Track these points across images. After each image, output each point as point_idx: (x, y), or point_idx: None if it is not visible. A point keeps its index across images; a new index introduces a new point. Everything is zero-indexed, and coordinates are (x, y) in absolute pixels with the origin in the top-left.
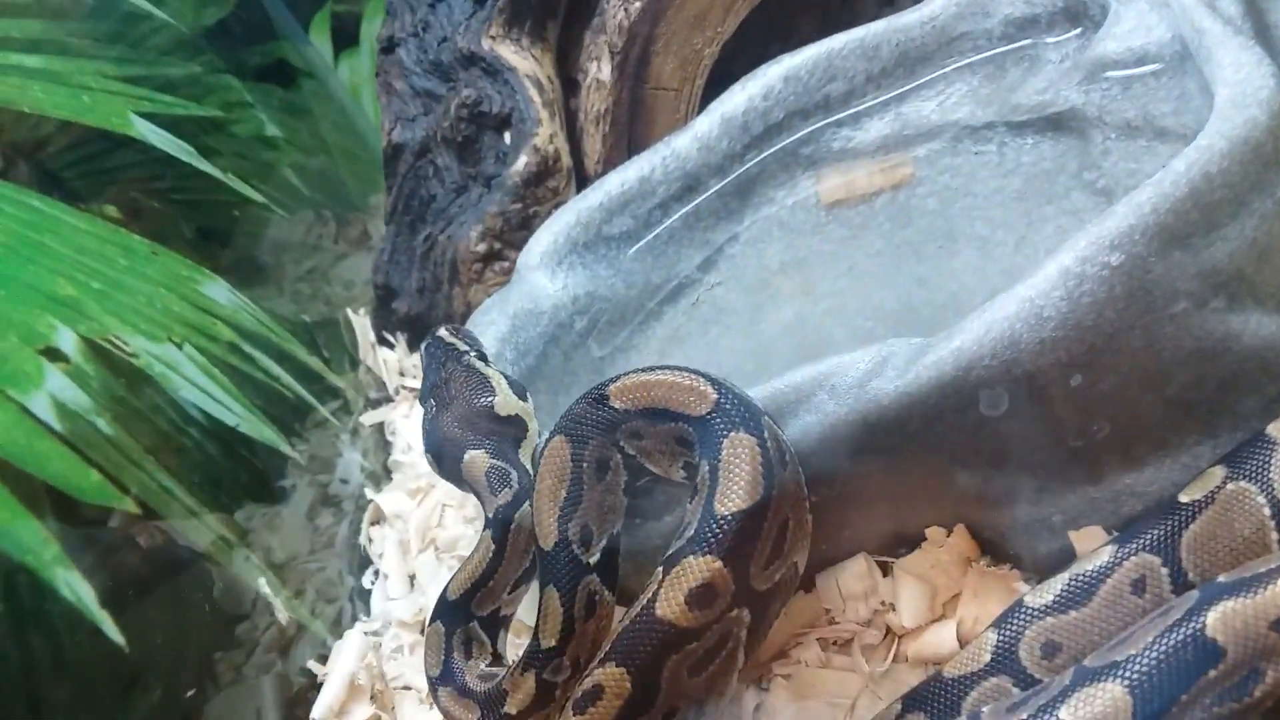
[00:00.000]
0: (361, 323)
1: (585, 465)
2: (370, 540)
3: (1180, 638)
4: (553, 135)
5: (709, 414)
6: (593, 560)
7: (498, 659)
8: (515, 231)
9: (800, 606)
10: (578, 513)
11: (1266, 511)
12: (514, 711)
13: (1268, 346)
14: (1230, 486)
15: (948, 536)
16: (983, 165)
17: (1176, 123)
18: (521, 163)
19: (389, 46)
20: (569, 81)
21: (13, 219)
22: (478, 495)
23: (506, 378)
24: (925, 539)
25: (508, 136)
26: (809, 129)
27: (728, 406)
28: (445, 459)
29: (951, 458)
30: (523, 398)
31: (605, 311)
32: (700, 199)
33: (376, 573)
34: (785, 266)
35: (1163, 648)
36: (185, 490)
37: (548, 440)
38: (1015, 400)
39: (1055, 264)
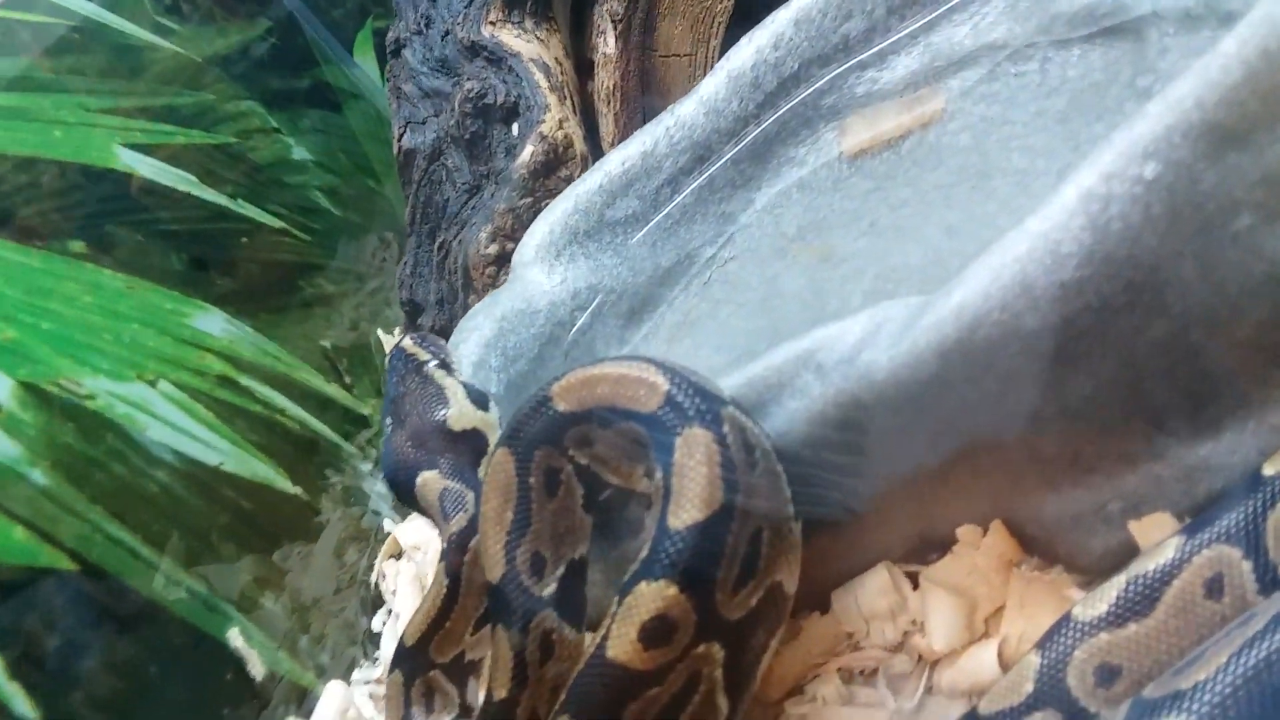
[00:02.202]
0: (393, 343)
1: (533, 481)
2: (384, 576)
3: (1264, 655)
4: (562, 121)
5: (660, 408)
6: (547, 592)
7: (466, 711)
8: (527, 229)
9: (817, 631)
10: (527, 538)
11: None
12: None
13: None
14: None
15: (983, 536)
16: (1023, 88)
17: (1245, 3)
18: (528, 153)
19: (396, 49)
20: (588, 63)
21: None
22: (434, 522)
23: (466, 387)
24: (957, 541)
25: (515, 128)
26: (829, 76)
27: (680, 398)
28: (401, 483)
29: (971, 439)
30: (483, 407)
31: (611, 304)
32: (713, 169)
33: (390, 612)
34: (803, 231)
35: (1241, 669)
36: (141, 539)
37: (491, 454)
38: (1040, 361)
39: (1073, 186)
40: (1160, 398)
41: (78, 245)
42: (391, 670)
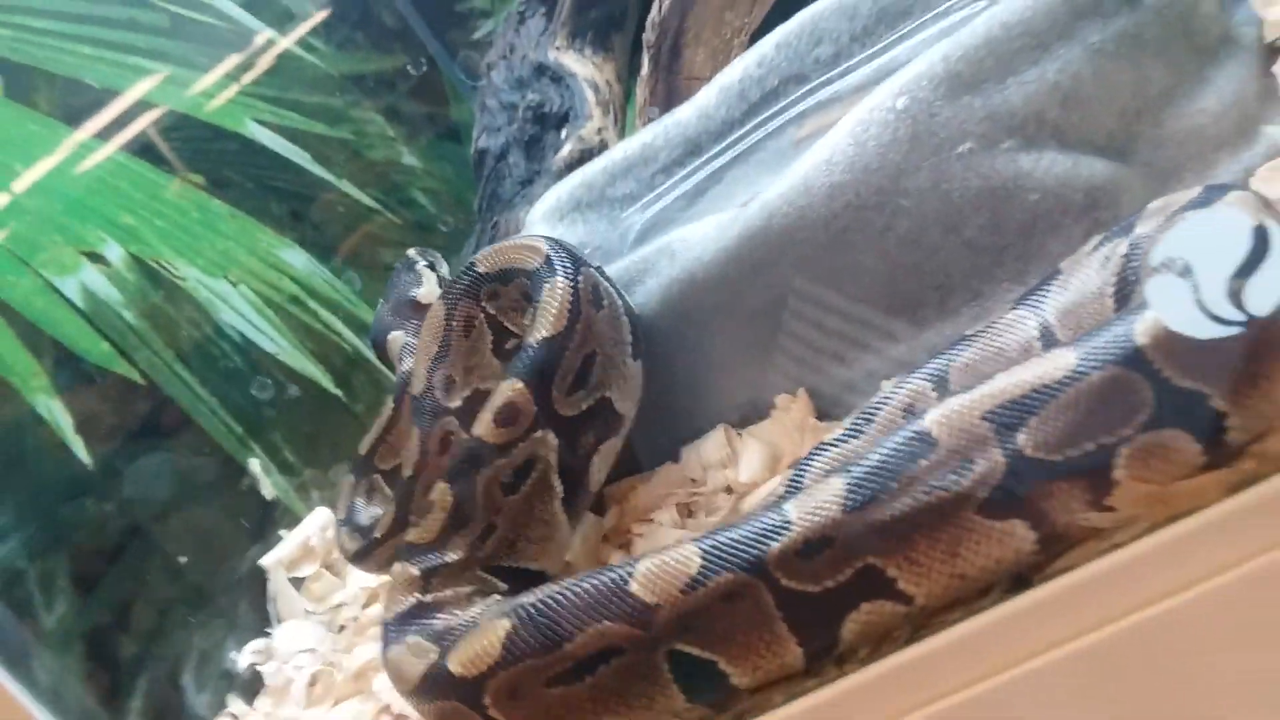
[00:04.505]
0: None
1: (454, 324)
2: None
3: (902, 435)
4: (601, 129)
5: (539, 266)
6: (453, 405)
7: None
8: None
9: (667, 476)
10: (444, 365)
11: (1035, 333)
12: (379, 535)
13: (1063, 184)
14: (1009, 315)
15: (793, 403)
16: None
17: None
18: (565, 150)
19: (487, 71)
20: None
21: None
22: (394, 370)
23: (441, 277)
24: (775, 407)
25: (564, 132)
26: (802, 90)
27: (553, 258)
28: (377, 343)
29: (778, 316)
30: None
31: (594, 257)
32: (699, 161)
33: None
34: (747, 200)
35: (886, 445)
36: (199, 381)
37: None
38: (820, 249)
39: (850, 115)
40: (915, 289)
41: (198, 178)
42: (347, 474)
